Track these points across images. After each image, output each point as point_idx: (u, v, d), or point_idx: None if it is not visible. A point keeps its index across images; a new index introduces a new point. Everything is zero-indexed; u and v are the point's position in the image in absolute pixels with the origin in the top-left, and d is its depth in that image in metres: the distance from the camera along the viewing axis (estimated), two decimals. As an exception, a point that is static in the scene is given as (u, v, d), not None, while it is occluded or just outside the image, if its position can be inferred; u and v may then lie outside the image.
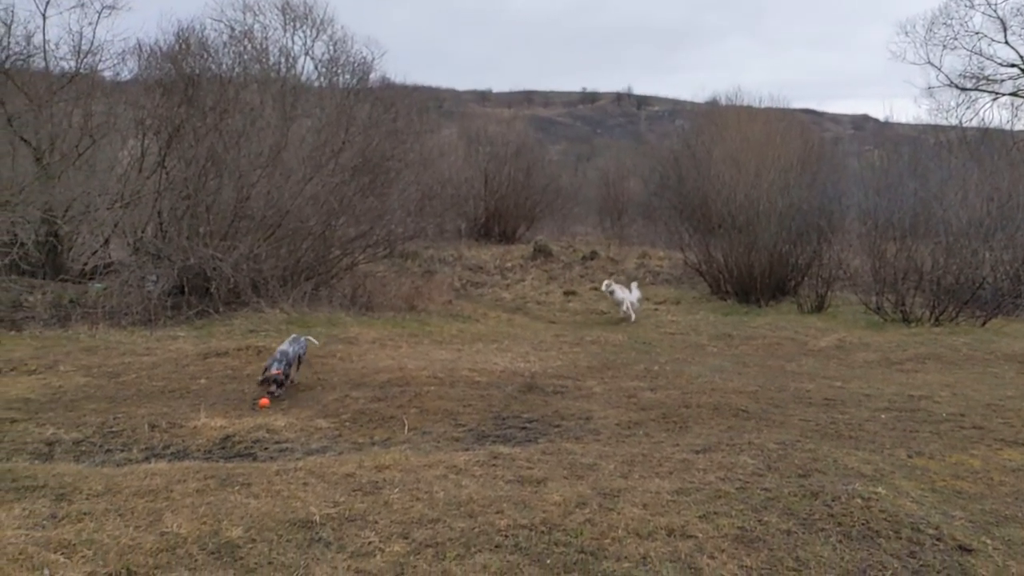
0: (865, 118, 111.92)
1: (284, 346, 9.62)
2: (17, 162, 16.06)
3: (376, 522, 4.74)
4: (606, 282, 16.66)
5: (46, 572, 3.92)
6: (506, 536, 4.64)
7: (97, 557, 4.13)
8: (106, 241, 17.40)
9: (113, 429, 7.70)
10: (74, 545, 4.27)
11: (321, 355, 11.42)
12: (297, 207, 16.49)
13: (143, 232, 17.10)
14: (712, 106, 37.38)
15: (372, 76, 19.67)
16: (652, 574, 4.24)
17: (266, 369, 9.13)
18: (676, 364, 11.85)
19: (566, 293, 22.35)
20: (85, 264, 16.92)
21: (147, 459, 6.58)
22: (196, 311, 14.83)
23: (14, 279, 15.53)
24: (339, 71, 18.98)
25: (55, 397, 9.35)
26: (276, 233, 16.51)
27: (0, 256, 15.00)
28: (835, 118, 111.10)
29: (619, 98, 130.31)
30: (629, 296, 17.19)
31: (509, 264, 25.61)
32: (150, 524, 4.61)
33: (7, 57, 16.40)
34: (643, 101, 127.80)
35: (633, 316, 16.63)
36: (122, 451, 7.03)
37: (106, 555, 4.16)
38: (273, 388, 8.90)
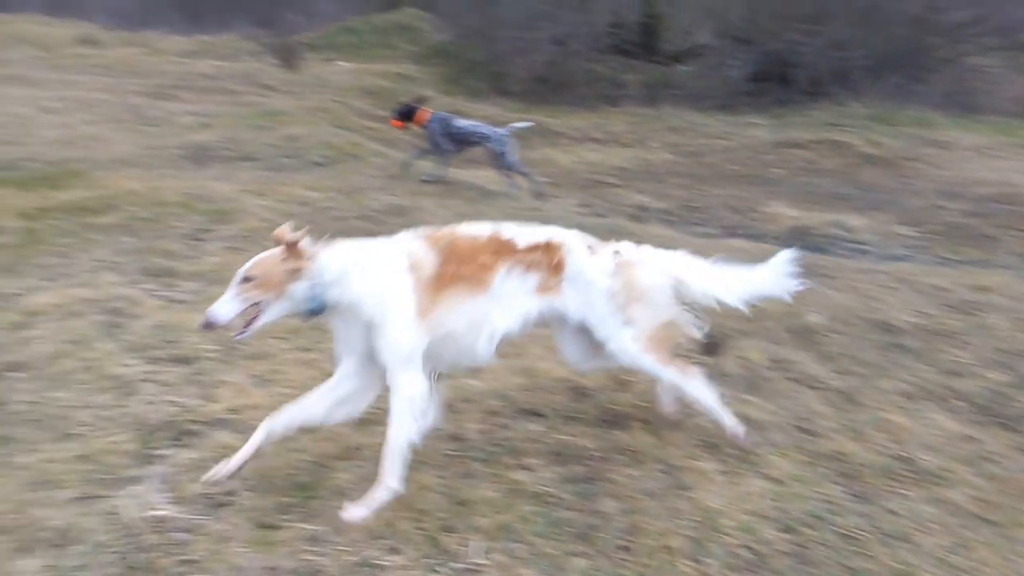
0: None
1: (478, 126, 8.18)
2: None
3: (970, 343, 4.27)
4: None
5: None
6: None
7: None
8: (695, 24, 17.98)
9: (694, 204, 8.33)
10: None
11: (906, 156, 10.38)
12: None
13: (730, 15, 17.14)
14: None
15: None
16: None
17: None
18: None
19: None
20: (674, 46, 17.88)
21: (726, 236, 6.96)
22: (773, 99, 14.68)
23: (614, 59, 17.35)
24: None
25: (645, 169, 10.48)
26: (868, 17, 14.92)
27: (607, 37, 16.79)
28: None
29: None
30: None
31: None
32: (734, 294, 4.90)
33: None
34: None
35: None
36: (701, 225, 7.59)
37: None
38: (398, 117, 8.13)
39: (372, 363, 2.69)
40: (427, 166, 8.16)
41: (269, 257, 2.56)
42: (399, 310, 2.60)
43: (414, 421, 2.60)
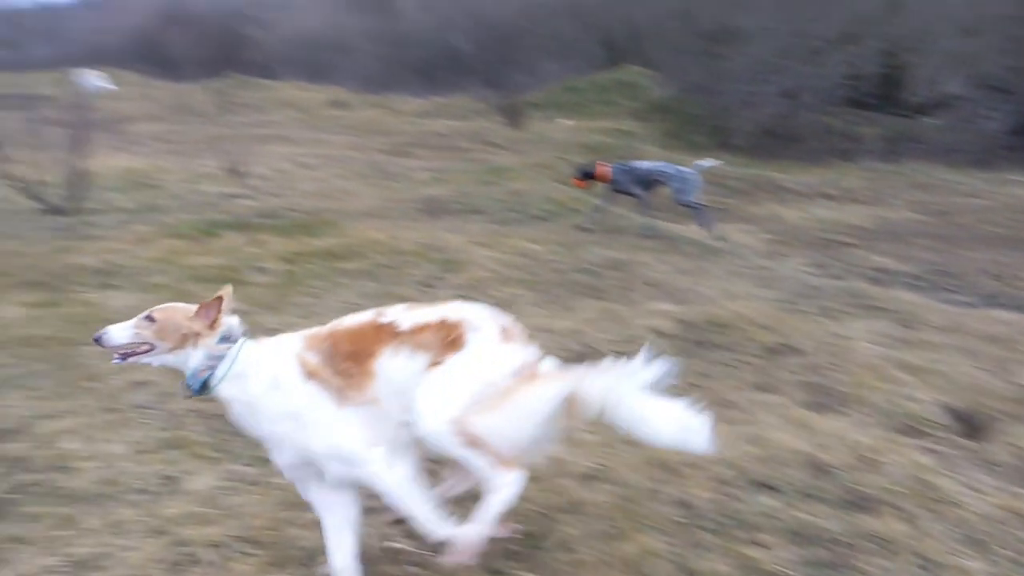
0: None
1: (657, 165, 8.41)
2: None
3: None
4: None
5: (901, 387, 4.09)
6: None
7: (944, 386, 4.10)
8: (944, 73, 16.59)
9: (945, 269, 7.53)
10: (920, 369, 4.34)
11: None
12: None
13: (986, 62, 15.63)
14: None
15: None
16: None
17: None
18: None
19: None
20: (919, 98, 16.57)
21: (985, 306, 6.21)
22: (1040, 154, 13.09)
23: (849, 111, 16.38)
24: None
25: (885, 228, 9.67)
26: None
27: (842, 88, 15.91)
28: None
29: None
30: None
31: None
32: (997, 370, 4.35)
33: None
34: None
35: None
36: (954, 292, 6.83)
37: (952, 387, 4.09)
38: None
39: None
40: (638, 219, 8.26)
41: (180, 309, 2.46)
42: (313, 413, 2.40)
43: (417, 499, 2.41)
